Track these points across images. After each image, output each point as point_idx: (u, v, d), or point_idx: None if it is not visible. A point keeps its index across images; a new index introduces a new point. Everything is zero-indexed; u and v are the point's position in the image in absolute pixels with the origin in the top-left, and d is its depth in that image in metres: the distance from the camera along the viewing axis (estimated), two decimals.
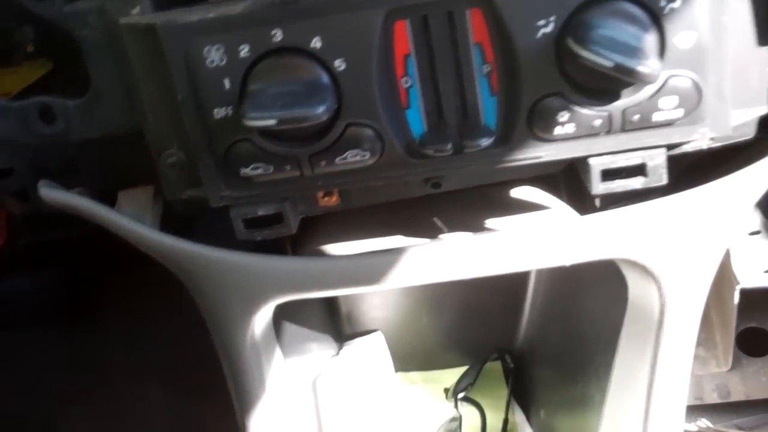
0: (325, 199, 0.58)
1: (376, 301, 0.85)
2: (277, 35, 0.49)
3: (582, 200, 0.63)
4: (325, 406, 0.74)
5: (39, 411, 1.17)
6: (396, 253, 0.56)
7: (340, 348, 0.84)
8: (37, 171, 0.60)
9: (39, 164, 0.60)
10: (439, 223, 0.59)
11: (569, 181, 0.65)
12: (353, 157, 0.52)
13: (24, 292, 1.04)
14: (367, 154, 0.52)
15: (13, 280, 1.02)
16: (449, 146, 0.51)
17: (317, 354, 0.78)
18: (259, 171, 0.52)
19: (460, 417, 0.82)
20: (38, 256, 0.87)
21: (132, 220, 0.57)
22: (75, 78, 0.57)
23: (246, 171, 0.52)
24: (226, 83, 0.50)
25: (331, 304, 0.84)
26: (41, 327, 1.15)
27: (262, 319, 0.60)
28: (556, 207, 0.63)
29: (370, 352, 0.84)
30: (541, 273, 0.83)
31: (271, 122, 0.48)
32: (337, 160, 0.52)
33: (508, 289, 0.86)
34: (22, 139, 0.57)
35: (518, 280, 0.86)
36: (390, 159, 0.52)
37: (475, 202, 0.64)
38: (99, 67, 0.54)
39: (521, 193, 0.64)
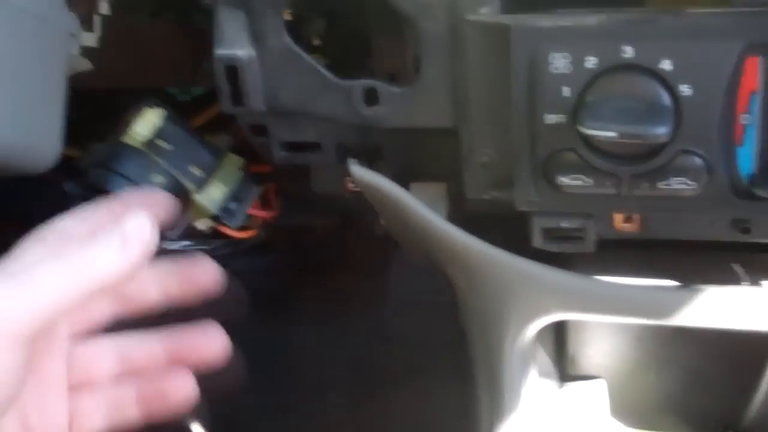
0: (625, 224, 0.57)
1: (605, 348, 0.83)
2: (627, 52, 0.50)
3: None
4: None
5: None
6: (698, 291, 0.54)
7: (561, 386, 0.82)
8: (341, 150, 0.63)
9: (345, 144, 0.63)
10: (739, 270, 0.57)
11: None
12: (677, 185, 0.51)
13: (243, 272, 1.08)
14: (694, 185, 0.51)
15: (236, 261, 1.06)
16: None
17: (547, 384, 0.77)
18: (578, 182, 0.52)
19: None
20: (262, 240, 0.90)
21: (431, 211, 0.58)
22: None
23: (564, 180, 0.53)
24: (565, 91, 0.51)
25: (559, 340, 0.82)
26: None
27: (531, 332, 0.60)
28: None
29: (591, 398, 0.82)
30: None
31: (611, 134, 0.49)
32: (660, 184, 0.51)
33: (743, 361, 0.82)
34: (342, 118, 0.59)
35: (757, 353, 0.81)
36: (712, 193, 0.51)
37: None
38: (433, 60, 0.56)
39: None
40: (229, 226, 0.70)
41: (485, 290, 0.59)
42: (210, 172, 0.68)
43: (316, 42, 0.64)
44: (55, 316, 0.41)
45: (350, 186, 0.69)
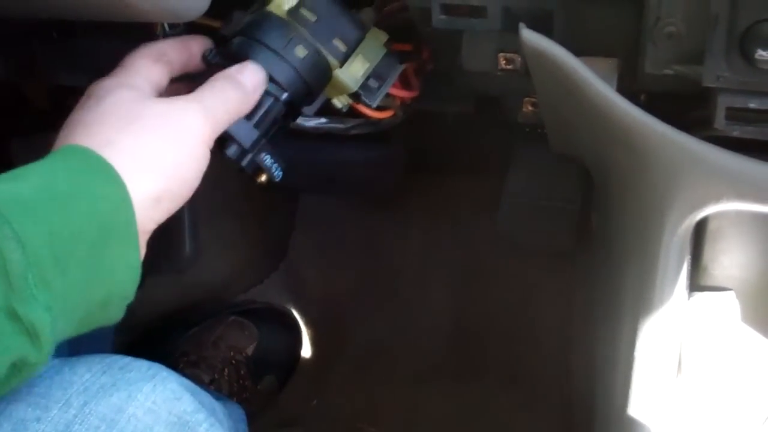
0: None
1: (742, 259, 0.80)
2: None
3: None
4: (688, 343, 0.70)
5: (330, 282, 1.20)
6: None
7: (690, 295, 0.80)
8: (507, 16, 0.60)
9: (513, 11, 0.60)
10: None
11: None
12: None
13: (355, 162, 1.06)
14: None
15: (352, 150, 1.04)
16: None
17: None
18: None
19: None
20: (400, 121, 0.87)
21: (605, 84, 0.55)
22: None
23: (763, 54, 0.49)
24: None
25: (694, 251, 0.79)
26: (351, 201, 1.18)
27: (695, 220, 0.57)
28: None
29: (722, 308, 0.79)
30: None
31: None
32: None
33: None
34: None
35: None
36: None
37: None
38: None
39: None
40: (367, 104, 0.67)
41: (653, 172, 0.55)
42: (353, 47, 0.64)
43: None
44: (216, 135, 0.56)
45: (502, 63, 0.66)
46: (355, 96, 0.67)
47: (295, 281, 1.21)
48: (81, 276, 0.45)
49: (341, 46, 0.63)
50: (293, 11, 0.61)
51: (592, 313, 0.85)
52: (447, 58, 0.70)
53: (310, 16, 0.61)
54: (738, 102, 0.52)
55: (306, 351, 1.17)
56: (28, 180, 0.45)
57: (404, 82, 0.74)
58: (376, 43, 0.66)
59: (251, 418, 0.90)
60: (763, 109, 0.52)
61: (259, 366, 1.07)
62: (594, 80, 0.54)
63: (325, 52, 0.62)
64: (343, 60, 0.63)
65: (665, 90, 0.56)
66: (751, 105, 0.52)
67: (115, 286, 0.48)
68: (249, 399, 1.01)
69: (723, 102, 0.52)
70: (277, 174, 0.63)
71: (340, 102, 0.68)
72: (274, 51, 0.60)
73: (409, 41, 0.73)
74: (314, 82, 0.62)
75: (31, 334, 0.43)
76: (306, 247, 1.21)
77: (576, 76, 0.55)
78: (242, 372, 1.05)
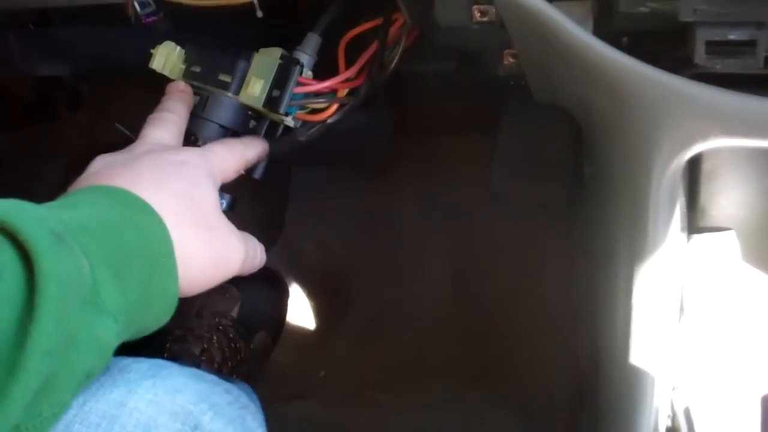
0: None
1: (739, 197, 0.78)
2: None
3: None
4: (689, 286, 0.69)
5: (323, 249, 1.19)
6: None
7: (689, 238, 0.78)
8: None
9: None
10: None
11: None
12: None
13: (343, 130, 1.05)
14: None
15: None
16: None
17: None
18: None
19: None
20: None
21: (583, 28, 0.53)
22: None
23: None
24: None
25: (691, 192, 0.78)
26: (343, 169, 1.17)
27: (683, 161, 0.56)
28: None
29: (723, 248, 0.78)
30: None
31: None
32: None
33: None
34: None
35: None
36: None
37: None
38: None
39: None
40: (280, 114, 0.71)
41: (637, 114, 0.54)
42: (240, 73, 0.70)
43: None
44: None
45: (477, 16, 0.65)
46: (270, 109, 0.70)
47: (293, 254, 1.20)
48: (137, 297, 0.48)
49: (226, 78, 0.70)
50: (186, 73, 0.72)
51: (590, 263, 0.84)
52: (422, 15, 0.68)
53: (197, 68, 0.71)
54: (717, 35, 0.50)
55: (309, 322, 1.16)
56: (83, 210, 0.48)
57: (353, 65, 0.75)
58: (267, 59, 0.71)
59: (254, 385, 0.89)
60: (743, 40, 0.50)
61: (247, 325, 1.05)
62: (569, 25, 0.53)
63: (213, 89, 0.71)
64: (237, 87, 0.71)
65: (642, 29, 0.54)
66: (731, 36, 0.50)
67: (157, 313, 0.51)
68: (245, 359, 1.00)
69: (702, 36, 0.51)
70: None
71: (290, 122, 0.73)
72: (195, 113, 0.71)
73: (380, 14, 0.74)
74: (223, 118, 0.71)
75: (102, 345, 0.46)
76: (302, 219, 1.20)
77: (550, 22, 0.53)
78: (231, 335, 1.03)
